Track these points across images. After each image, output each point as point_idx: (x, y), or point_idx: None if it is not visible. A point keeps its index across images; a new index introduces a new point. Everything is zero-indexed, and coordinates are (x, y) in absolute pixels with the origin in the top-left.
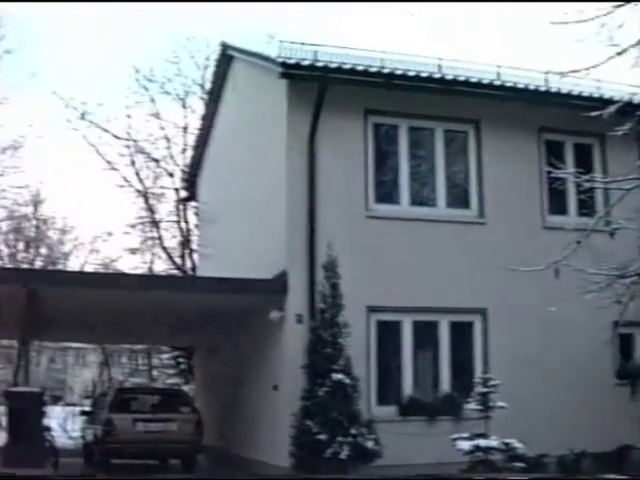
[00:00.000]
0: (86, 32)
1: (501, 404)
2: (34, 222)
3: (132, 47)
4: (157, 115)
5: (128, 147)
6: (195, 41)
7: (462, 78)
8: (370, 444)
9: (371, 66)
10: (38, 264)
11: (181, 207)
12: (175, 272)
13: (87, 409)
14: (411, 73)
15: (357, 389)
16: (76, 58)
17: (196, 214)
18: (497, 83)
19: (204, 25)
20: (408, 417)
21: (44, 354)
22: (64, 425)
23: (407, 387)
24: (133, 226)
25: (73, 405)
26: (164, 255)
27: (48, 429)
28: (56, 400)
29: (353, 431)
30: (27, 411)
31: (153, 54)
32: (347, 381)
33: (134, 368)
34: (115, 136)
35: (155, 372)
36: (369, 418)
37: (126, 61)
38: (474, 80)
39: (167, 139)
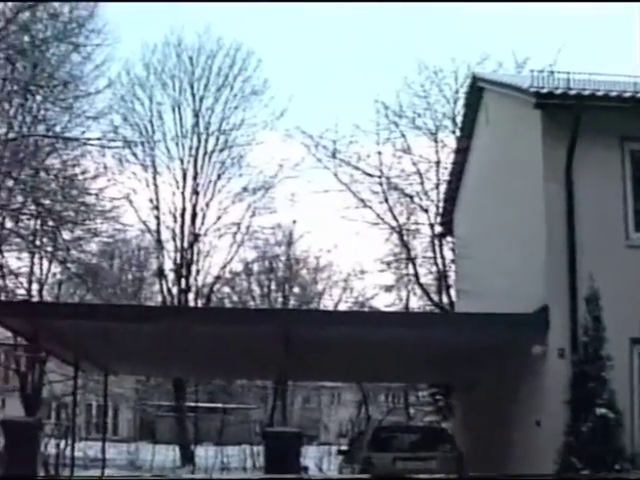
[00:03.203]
0: (328, 70)
1: None
2: (287, 262)
3: (377, 82)
4: (408, 150)
5: (380, 184)
6: (443, 74)
7: None
8: None
9: (625, 91)
10: (291, 304)
11: (437, 243)
12: (432, 308)
13: (344, 448)
14: None
15: (621, 423)
16: (320, 95)
17: (452, 249)
18: None
19: (451, 58)
20: None
21: (298, 394)
22: (320, 464)
23: None
24: (388, 263)
25: (328, 444)
26: (420, 292)
27: (305, 469)
28: (311, 439)
29: (617, 467)
30: (285, 451)
31: (400, 89)
32: (611, 415)
33: (391, 406)
34: (367, 173)
35: (412, 410)
36: (633, 453)
37: (371, 97)
38: None
39: (420, 174)
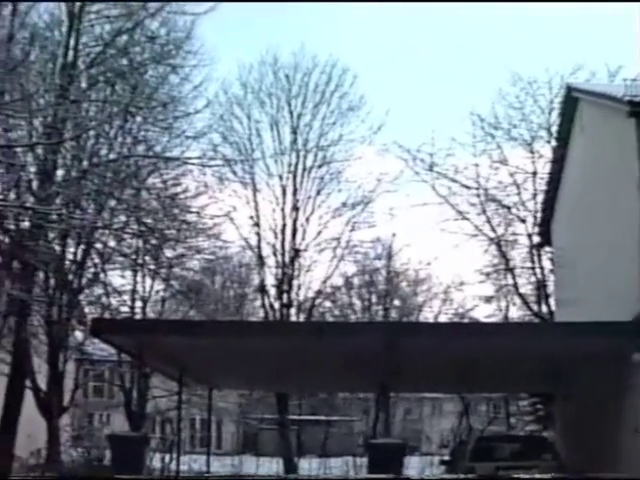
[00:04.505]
0: (423, 83)
1: None
2: (387, 275)
3: (472, 95)
4: (505, 162)
5: (478, 196)
6: (537, 85)
7: None
8: None
9: None
10: (392, 317)
11: (535, 253)
12: (531, 318)
13: (447, 458)
14: None
15: None
16: (416, 109)
17: (551, 259)
18: None
19: (544, 68)
20: None
21: (400, 405)
22: (422, 475)
23: None
24: (487, 274)
25: (430, 455)
26: (519, 302)
27: None
28: (412, 450)
29: None
30: (388, 462)
31: (495, 100)
32: None
33: (492, 416)
34: (464, 185)
35: (512, 419)
36: None
37: (466, 109)
38: None
39: (517, 185)
